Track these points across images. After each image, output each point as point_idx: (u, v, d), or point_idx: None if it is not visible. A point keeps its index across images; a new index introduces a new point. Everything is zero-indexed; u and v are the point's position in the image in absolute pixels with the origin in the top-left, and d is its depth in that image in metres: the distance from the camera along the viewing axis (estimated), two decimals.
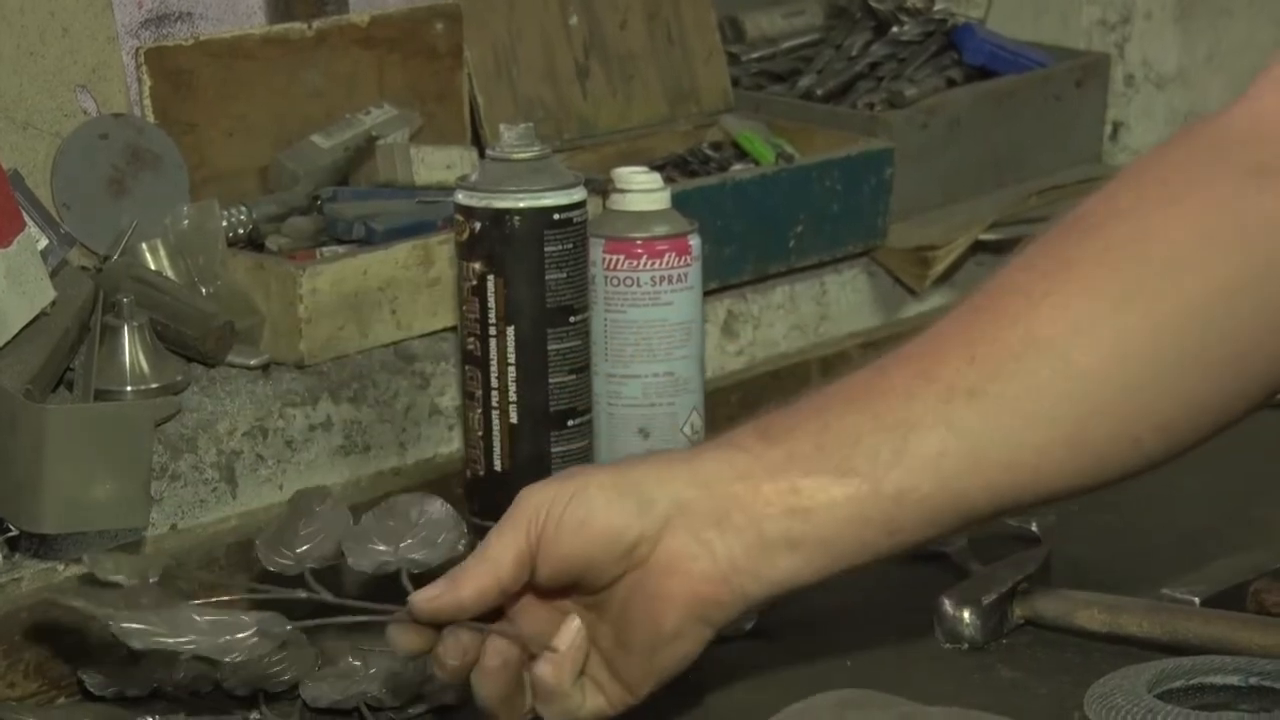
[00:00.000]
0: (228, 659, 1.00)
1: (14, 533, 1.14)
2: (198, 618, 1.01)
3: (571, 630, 1.01)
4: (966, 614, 1.19)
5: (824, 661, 1.18)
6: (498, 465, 1.31)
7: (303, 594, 1.05)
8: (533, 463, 1.30)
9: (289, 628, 1.01)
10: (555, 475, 1.04)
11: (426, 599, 0.99)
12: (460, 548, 1.08)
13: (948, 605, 1.20)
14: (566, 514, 0.99)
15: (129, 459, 1.12)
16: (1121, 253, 0.99)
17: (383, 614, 1.01)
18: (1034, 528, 1.31)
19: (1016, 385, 0.98)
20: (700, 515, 0.99)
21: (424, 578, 1.04)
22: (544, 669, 1.01)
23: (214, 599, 1.05)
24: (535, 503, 1.00)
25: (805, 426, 1.00)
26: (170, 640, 0.99)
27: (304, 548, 1.09)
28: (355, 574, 1.09)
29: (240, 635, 1.00)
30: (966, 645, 1.19)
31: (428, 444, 1.36)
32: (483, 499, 1.31)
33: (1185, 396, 0.99)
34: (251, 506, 1.27)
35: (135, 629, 0.99)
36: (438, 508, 1.10)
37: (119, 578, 1.05)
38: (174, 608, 1.02)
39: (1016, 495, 1.01)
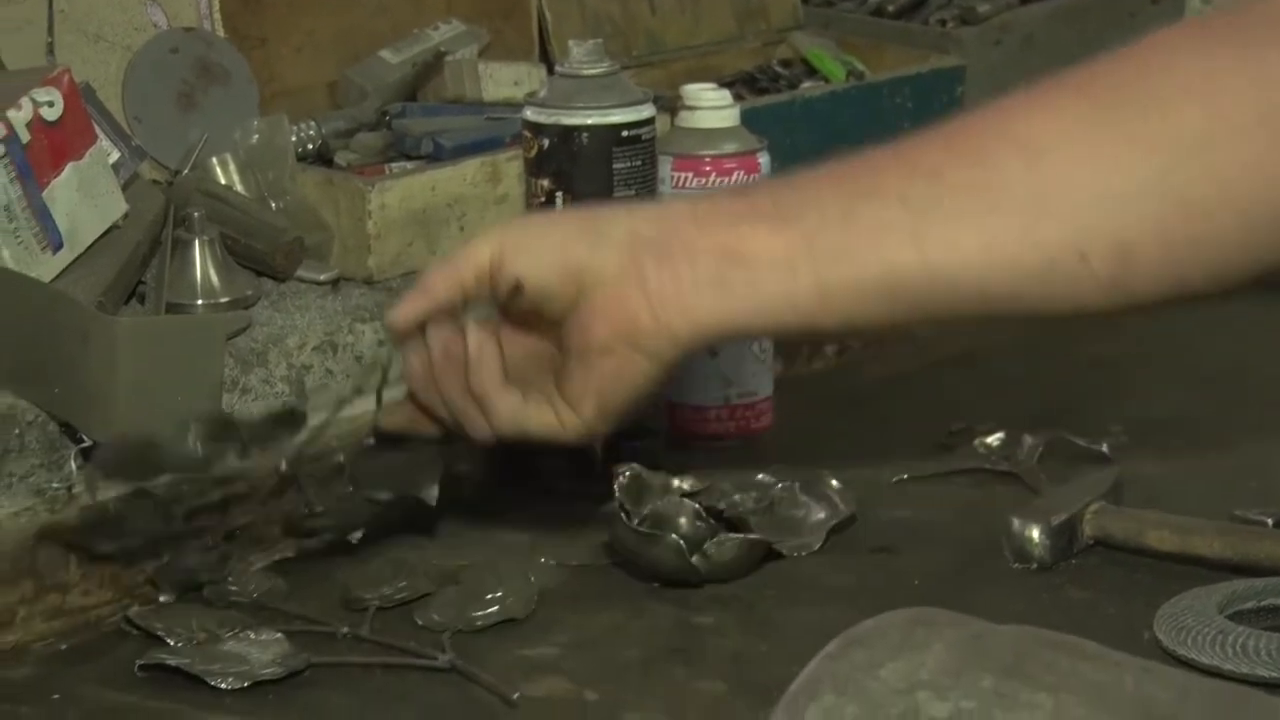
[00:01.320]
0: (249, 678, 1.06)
1: (87, 443, 1.15)
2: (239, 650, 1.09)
3: (473, 337, 1.09)
4: (1036, 534, 1.19)
5: (891, 581, 1.18)
6: None
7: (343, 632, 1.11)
8: None
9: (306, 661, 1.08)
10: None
11: (405, 308, 1.09)
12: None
13: (1017, 525, 1.19)
14: (528, 241, 1.06)
15: (200, 372, 1.12)
16: (1143, 71, 0.97)
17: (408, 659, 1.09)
18: (1105, 448, 1.30)
19: (979, 174, 0.98)
20: (644, 245, 1.04)
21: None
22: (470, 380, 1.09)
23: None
24: (503, 229, 1.08)
25: (779, 187, 1.04)
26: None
27: None
28: None
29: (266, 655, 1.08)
30: (1035, 565, 1.19)
31: None
32: None
33: (1151, 226, 0.97)
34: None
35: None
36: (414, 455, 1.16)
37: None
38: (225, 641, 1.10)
39: (951, 286, 0.99)
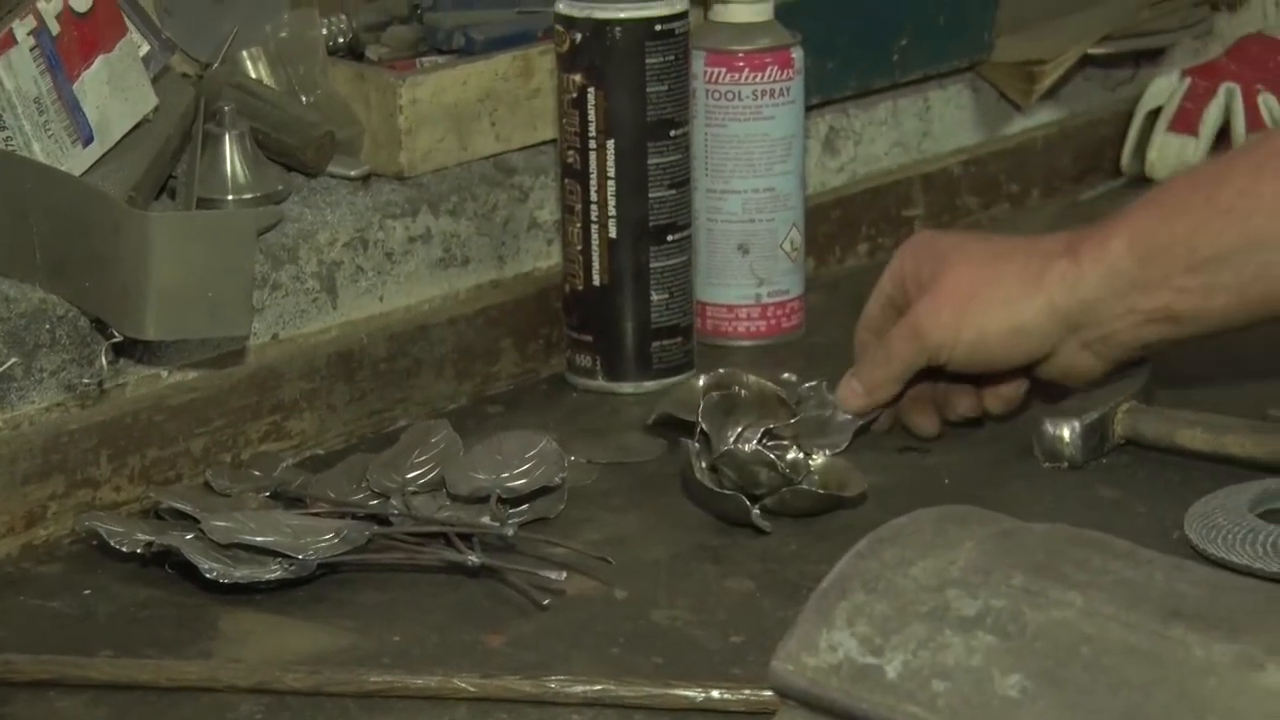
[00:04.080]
0: (301, 557, 1.06)
1: (119, 339, 1.15)
2: (286, 521, 1.08)
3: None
4: (1066, 433, 1.18)
5: (921, 480, 1.18)
6: (596, 280, 1.30)
7: (393, 512, 1.12)
8: (632, 277, 1.30)
9: (367, 535, 1.08)
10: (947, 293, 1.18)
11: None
12: (557, 480, 1.13)
13: (1047, 424, 1.19)
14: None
15: (231, 267, 1.12)
16: None
17: (462, 529, 1.09)
18: None
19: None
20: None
21: (515, 502, 1.12)
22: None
23: (313, 510, 1.12)
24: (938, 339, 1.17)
25: (1175, 249, 1.12)
26: (254, 538, 1.06)
27: (413, 474, 1.15)
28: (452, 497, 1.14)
29: (321, 538, 1.07)
30: (1066, 464, 1.19)
31: (526, 257, 1.36)
32: (581, 313, 1.31)
33: None
34: (352, 317, 1.27)
35: (222, 526, 1.07)
36: (546, 445, 1.14)
37: (231, 488, 1.16)
38: (269, 511, 1.11)
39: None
